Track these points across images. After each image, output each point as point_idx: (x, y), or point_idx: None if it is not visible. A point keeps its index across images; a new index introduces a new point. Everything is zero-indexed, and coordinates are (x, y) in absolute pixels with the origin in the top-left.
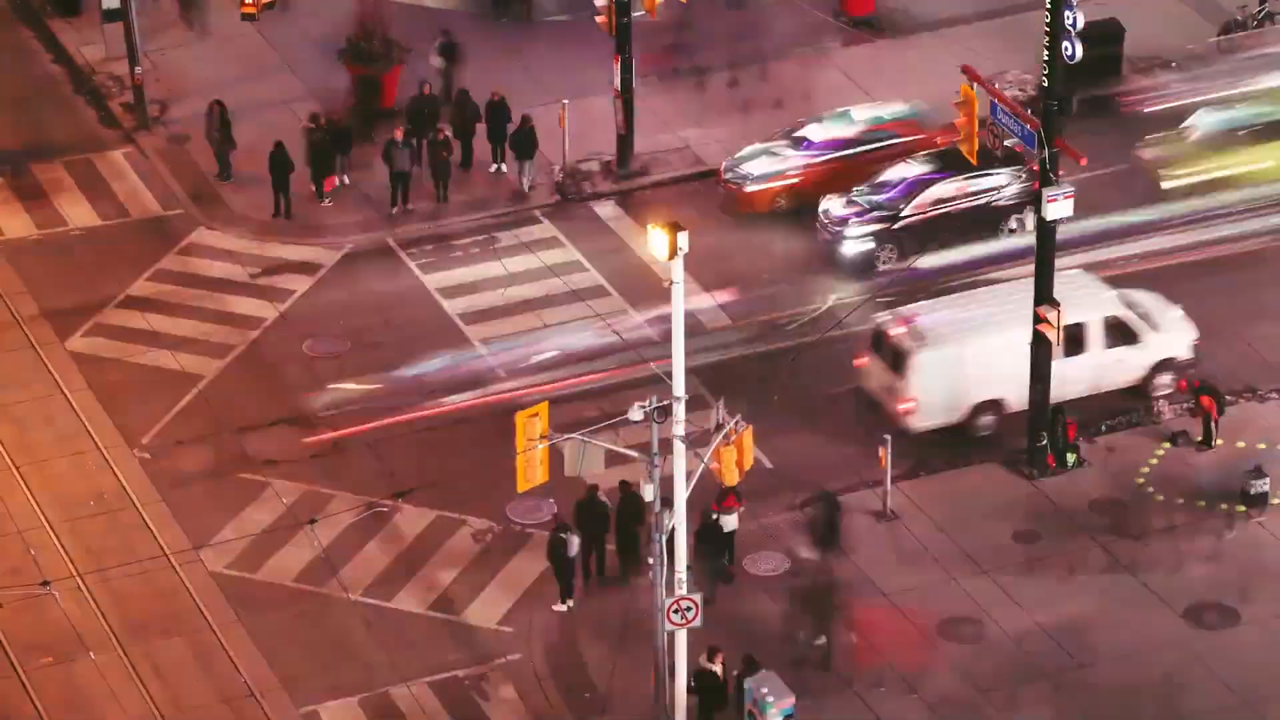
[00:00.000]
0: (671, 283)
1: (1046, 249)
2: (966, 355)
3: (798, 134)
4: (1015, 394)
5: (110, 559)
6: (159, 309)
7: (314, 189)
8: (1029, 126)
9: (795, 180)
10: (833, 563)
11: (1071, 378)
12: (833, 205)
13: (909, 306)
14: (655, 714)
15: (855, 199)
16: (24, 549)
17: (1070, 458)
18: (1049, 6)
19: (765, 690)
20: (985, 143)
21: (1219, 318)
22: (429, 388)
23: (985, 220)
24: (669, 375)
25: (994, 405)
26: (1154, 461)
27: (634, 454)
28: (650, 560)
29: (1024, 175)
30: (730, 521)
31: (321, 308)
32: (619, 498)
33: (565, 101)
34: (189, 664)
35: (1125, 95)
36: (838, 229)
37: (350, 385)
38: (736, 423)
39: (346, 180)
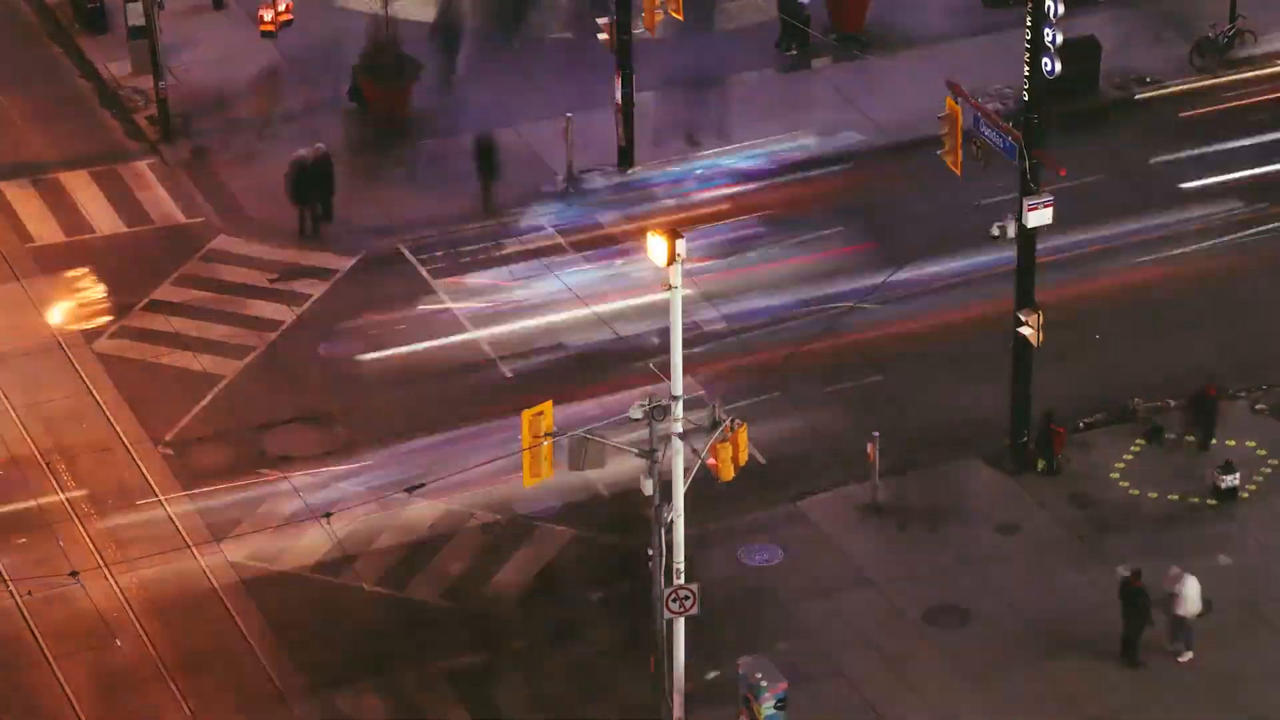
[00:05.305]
0: (670, 287)
1: (1027, 255)
2: None
3: None
4: None
5: (135, 550)
6: (182, 312)
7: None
8: (1011, 138)
9: None
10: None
11: None
12: None
13: None
14: (656, 701)
15: None
16: (53, 540)
17: (1041, 464)
18: (1029, 24)
19: (759, 675)
20: (969, 155)
21: (1196, 316)
22: None
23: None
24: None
25: None
26: (1129, 458)
27: (634, 451)
28: (650, 551)
29: None
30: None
31: (337, 311)
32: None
33: (569, 114)
34: (210, 651)
35: None
36: None
37: None
38: (732, 420)
39: None
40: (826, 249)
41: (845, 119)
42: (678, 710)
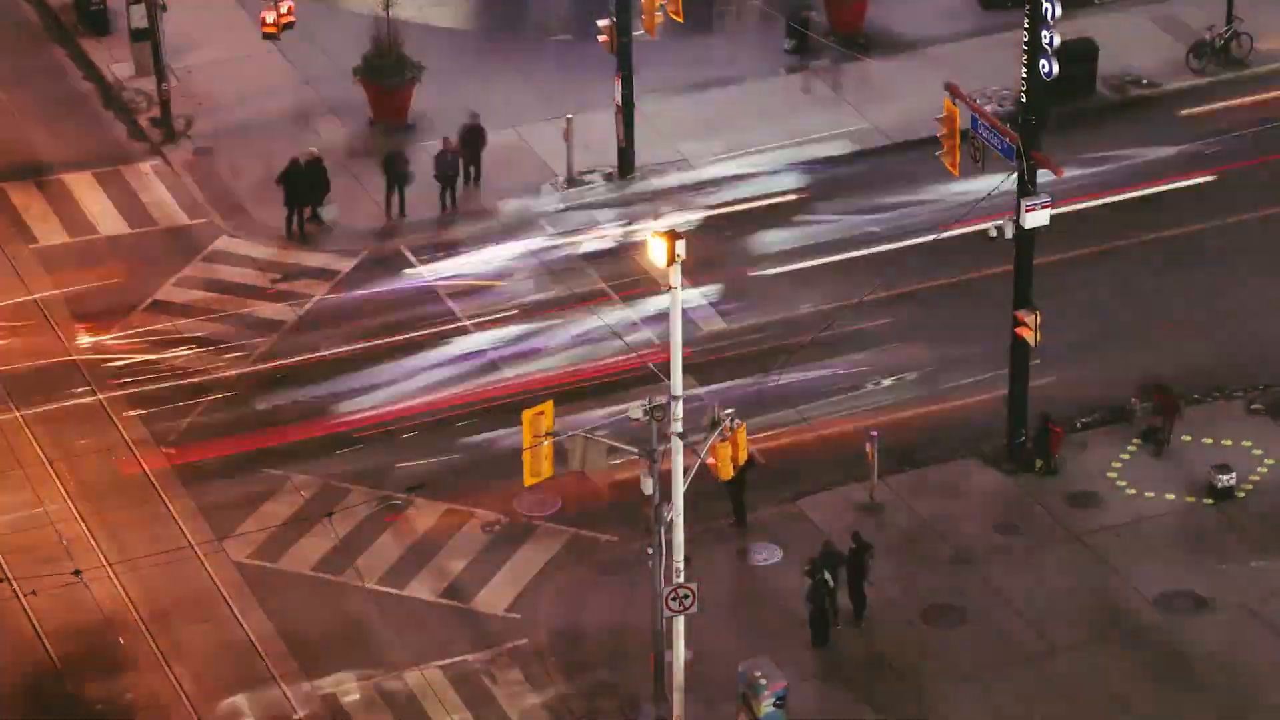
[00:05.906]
0: (670, 287)
1: (1025, 255)
2: None
3: None
4: None
5: (138, 549)
6: (184, 313)
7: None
8: (1008, 140)
9: None
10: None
11: None
12: None
13: None
14: (655, 698)
15: None
16: (57, 540)
17: (1039, 464)
18: (1027, 27)
19: (759, 674)
20: (967, 155)
21: (1189, 316)
22: None
23: None
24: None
25: None
26: (1126, 457)
27: (634, 450)
28: (649, 550)
29: None
30: None
31: (338, 311)
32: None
33: (569, 115)
34: (212, 648)
35: None
36: None
37: None
38: (731, 420)
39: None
40: None
41: (844, 120)
42: (677, 710)
